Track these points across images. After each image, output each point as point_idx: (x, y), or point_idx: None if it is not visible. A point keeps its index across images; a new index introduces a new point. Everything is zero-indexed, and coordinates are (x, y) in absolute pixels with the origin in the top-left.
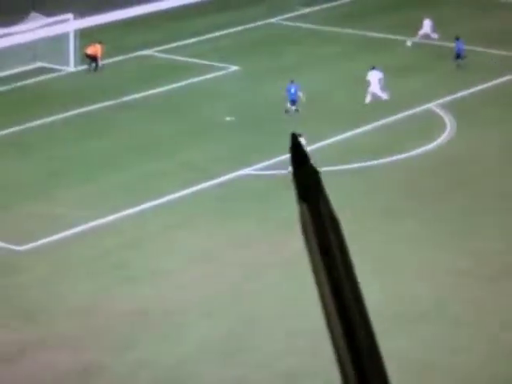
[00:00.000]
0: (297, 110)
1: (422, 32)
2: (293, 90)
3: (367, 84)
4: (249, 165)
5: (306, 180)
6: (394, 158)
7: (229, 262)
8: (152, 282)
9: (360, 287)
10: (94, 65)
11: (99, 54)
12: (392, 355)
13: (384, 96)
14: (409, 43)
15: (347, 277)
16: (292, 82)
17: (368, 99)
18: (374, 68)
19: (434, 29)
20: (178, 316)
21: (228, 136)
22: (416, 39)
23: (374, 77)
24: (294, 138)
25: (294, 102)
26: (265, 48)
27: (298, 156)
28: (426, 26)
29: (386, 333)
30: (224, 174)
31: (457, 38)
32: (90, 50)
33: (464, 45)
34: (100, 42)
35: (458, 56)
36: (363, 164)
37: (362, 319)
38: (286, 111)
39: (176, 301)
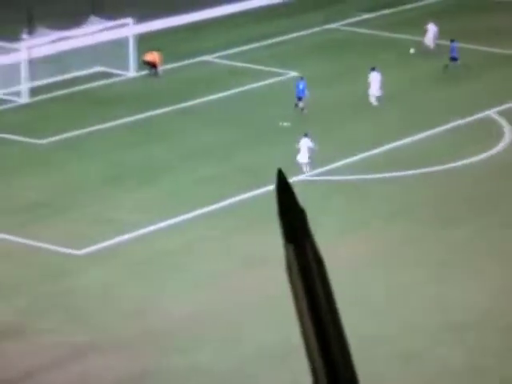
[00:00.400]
0: (302, 109)
1: (428, 37)
2: (301, 87)
3: (368, 86)
4: (304, 170)
5: (293, 221)
6: (452, 164)
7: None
8: (209, 285)
9: (343, 329)
10: (153, 71)
11: (158, 61)
12: (445, 362)
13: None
14: (412, 51)
15: (331, 319)
16: (302, 78)
17: (374, 101)
18: (373, 69)
19: (436, 36)
20: (234, 320)
21: (284, 141)
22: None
23: (375, 78)
24: (281, 176)
25: (300, 99)
26: (324, 54)
27: (285, 195)
28: (431, 31)
29: (440, 341)
30: None
31: (451, 41)
32: (148, 58)
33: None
34: (158, 50)
35: (455, 59)
36: (420, 171)
37: (346, 365)
38: (296, 106)
39: (232, 304)
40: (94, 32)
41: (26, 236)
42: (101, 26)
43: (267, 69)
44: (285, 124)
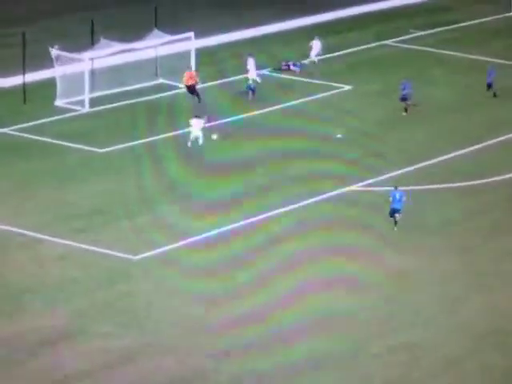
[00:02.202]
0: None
1: (313, 53)
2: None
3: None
4: (356, 181)
5: None
6: (504, 176)
7: (336, 276)
8: (261, 289)
9: None
10: (196, 98)
11: (196, 81)
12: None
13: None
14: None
15: None
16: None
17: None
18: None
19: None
20: (284, 326)
21: (337, 153)
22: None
23: (316, 45)
24: None
25: (249, 90)
26: (377, 69)
27: None
28: (316, 46)
29: (481, 347)
30: (333, 190)
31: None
32: (187, 82)
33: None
34: (195, 70)
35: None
36: (475, 182)
37: None
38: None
39: (283, 310)
40: (156, 45)
41: (83, 241)
42: (163, 40)
43: (323, 82)
44: (339, 136)
